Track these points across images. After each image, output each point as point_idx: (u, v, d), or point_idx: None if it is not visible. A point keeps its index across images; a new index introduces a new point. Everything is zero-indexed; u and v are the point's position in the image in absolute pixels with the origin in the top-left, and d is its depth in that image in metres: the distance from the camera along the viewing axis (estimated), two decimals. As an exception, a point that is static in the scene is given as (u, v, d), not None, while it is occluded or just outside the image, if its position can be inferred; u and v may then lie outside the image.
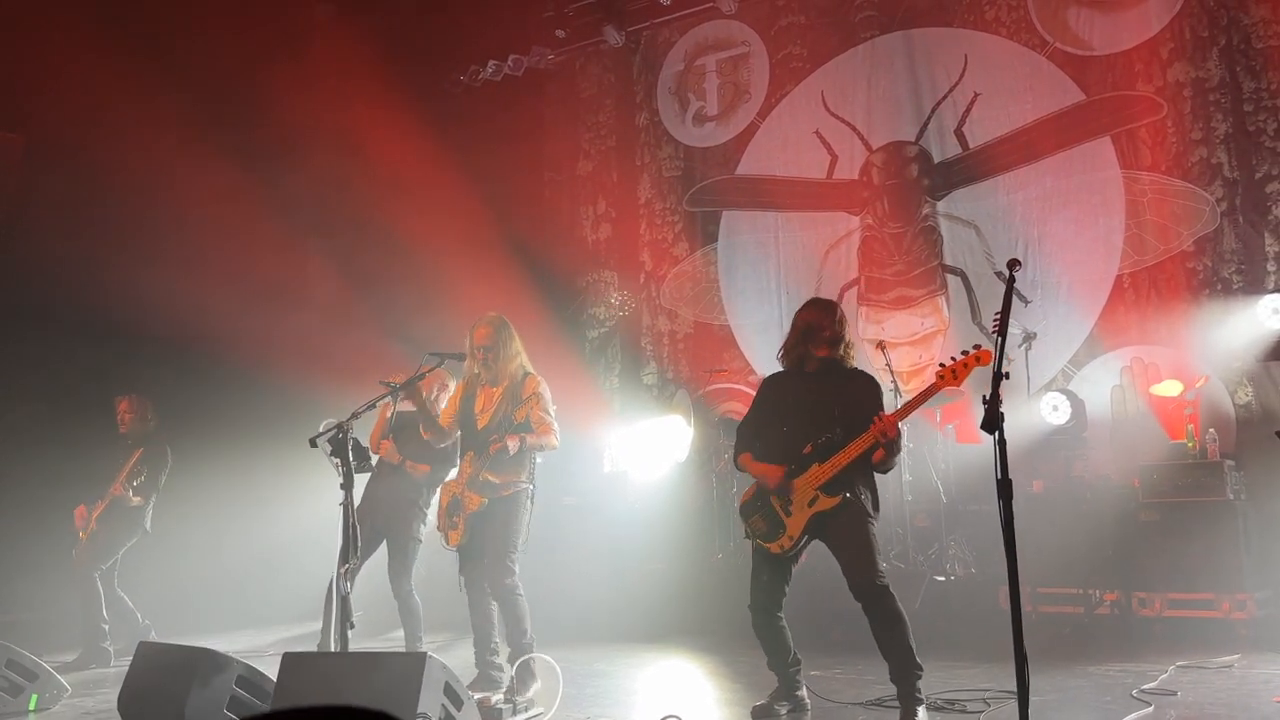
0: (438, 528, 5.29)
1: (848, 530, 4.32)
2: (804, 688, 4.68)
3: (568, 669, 4.99)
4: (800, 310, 4.66)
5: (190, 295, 8.05)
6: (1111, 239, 7.76)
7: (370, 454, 4.80)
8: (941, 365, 4.15)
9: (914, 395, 4.34)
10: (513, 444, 4.98)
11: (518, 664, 4.97)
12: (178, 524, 7.48)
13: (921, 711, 4.19)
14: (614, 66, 10.46)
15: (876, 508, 4.43)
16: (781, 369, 4.67)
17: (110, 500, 6.87)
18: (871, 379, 4.56)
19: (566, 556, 7.94)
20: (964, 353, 4.08)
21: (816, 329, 4.47)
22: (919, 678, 4.23)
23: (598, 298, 10.32)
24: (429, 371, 5.08)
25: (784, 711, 4.59)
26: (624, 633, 7.08)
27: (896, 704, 4.30)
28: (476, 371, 5.24)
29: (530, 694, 4.94)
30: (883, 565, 4.33)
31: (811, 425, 4.37)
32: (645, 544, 7.98)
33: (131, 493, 6.87)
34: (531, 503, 5.22)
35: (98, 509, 6.88)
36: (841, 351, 4.48)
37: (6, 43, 7.59)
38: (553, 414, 5.24)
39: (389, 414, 5.85)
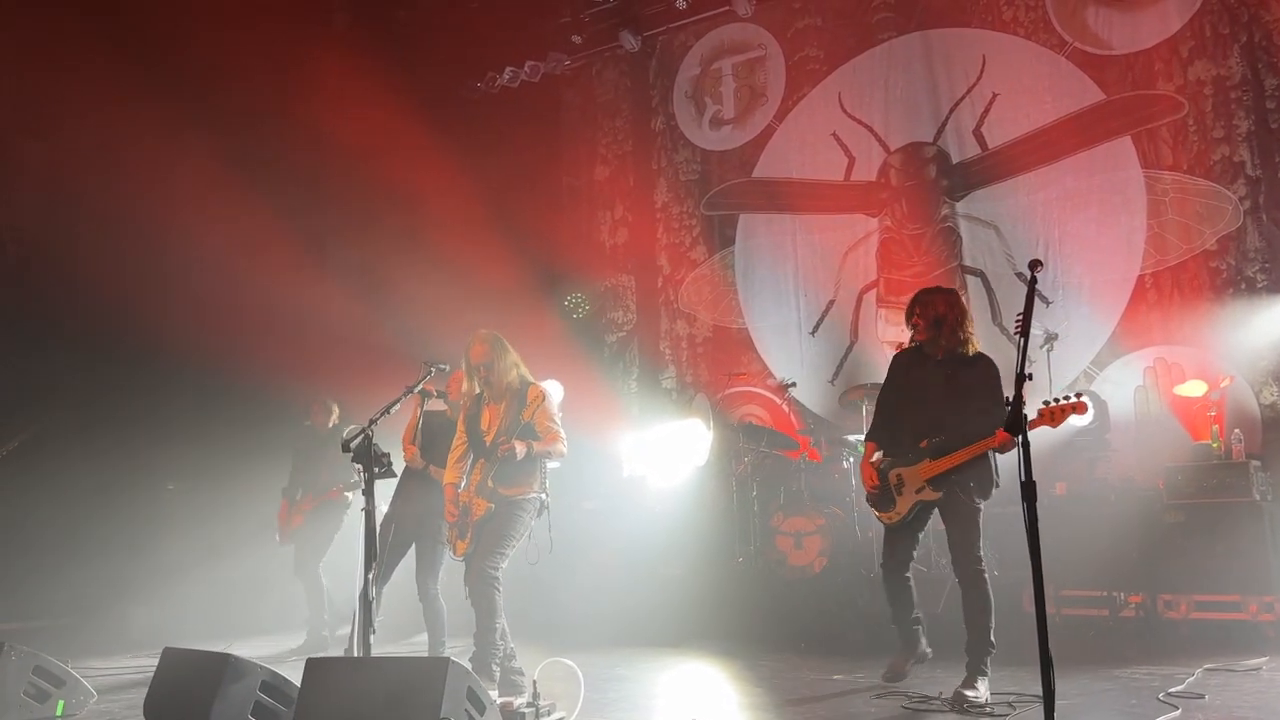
0: (447, 538, 5.30)
1: (950, 518, 4.88)
2: (924, 641, 5.17)
3: (588, 673, 4.98)
4: (930, 295, 4.94)
5: (214, 308, 8.12)
6: (1133, 239, 7.70)
7: (391, 460, 4.81)
8: (1045, 403, 4.36)
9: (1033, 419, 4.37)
10: (520, 448, 4.99)
11: (500, 674, 4.94)
12: (210, 528, 7.54)
13: (982, 684, 4.63)
14: (630, 71, 10.48)
15: (986, 493, 4.84)
16: (909, 346, 5.06)
17: (324, 499, 7.33)
18: (991, 368, 4.84)
19: (586, 561, 7.94)
20: (1067, 398, 4.37)
21: (944, 320, 4.82)
22: (990, 654, 4.73)
23: (615, 302, 10.33)
24: (426, 378, 5.16)
25: (910, 669, 5.10)
26: (644, 637, 7.07)
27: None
28: (478, 390, 5.27)
29: (523, 699, 4.90)
30: (980, 550, 4.82)
31: (930, 417, 4.83)
32: (665, 548, 7.97)
33: (347, 490, 7.35)
34: (541, 512, 5.21)
35: (305, 506, 7.30)
36: (959, 340, 4.83)
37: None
38: (558, 421, 5.24)
39: (418, 417, 5.90)
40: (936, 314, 4.84)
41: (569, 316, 10.20)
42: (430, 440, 6.09)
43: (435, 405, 5.57)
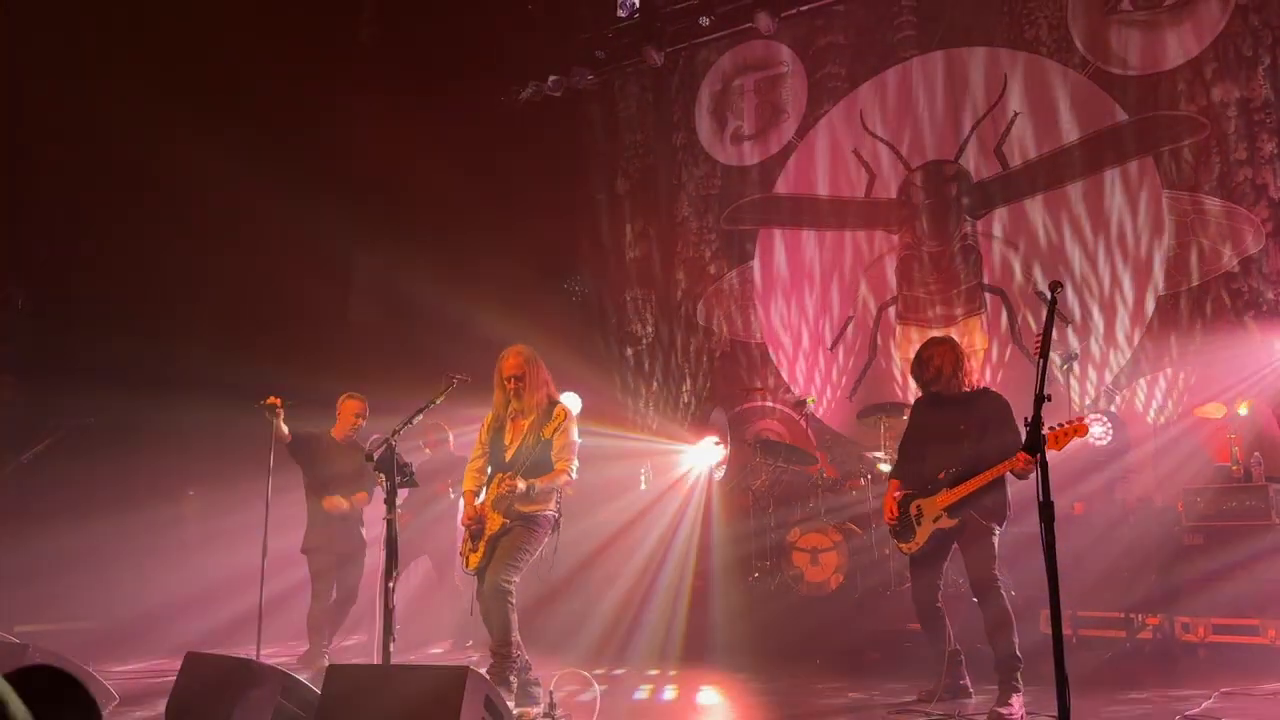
0: (460, 551, 5.32)
1: (966, 544, 5.11)
2: (966, 677, 5.27)
3: (604, 685, 5.01)
4: (926, 350, 5.32)
5: (238, 314, 8.21)
6: (1154, 259, 7.70)
7: (414, 470, 4.86)
8: (1049, 428, 4.42)
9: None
10: (521, 485, 5.01)
11: (517, 685, 4.96)
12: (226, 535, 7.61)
13: (1016, 700, 4.73)
14: (652, 86, 10.56)
15: (1001, 518, 5.07)
16: (925, 395, 5.40)
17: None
18: (998, 398, 5.20)
19: (602, 574, 7.97)
20: (1070, 422, 4.54)
21: (942, 370, 5.19)
22: (1018, 669, 4.84)
23: (634, 315, 10.39)
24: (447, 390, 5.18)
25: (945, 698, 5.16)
26: (660, 650, 7.09)
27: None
28: (507, 401, 5.29)
29: (539, 709, 4.92)
30: (997, 570, 5.02)
31: (948, 452, 5.11)
32: (681, 563, 8.00)
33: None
34: (555, 531, 5.23)
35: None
36: (962, 381, 5.19)
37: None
38: (575, 448, 5.25)
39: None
40: (935, 366, 5.23)
41: (587, 330, 10.25)
42: (310, 462, 6.27)
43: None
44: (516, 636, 5.02)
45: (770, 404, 9.38)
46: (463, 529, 5.28)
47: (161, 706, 4.73)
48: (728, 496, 8.47)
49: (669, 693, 5.93)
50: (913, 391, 6.55)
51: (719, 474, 8.64)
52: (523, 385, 5.22)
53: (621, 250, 10.57)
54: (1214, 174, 7.51)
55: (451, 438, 8.02)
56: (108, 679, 5.67)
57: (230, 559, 8.15)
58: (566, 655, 6.77)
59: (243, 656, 4.49)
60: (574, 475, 5.22)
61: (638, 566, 8.08)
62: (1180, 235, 7.62)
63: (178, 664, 4.80)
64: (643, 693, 5.83)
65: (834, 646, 6.80)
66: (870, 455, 7.60)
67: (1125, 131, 7.90)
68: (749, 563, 7.93)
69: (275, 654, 6.97)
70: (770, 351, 9.54)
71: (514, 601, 5.03)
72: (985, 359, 8.22)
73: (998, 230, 8.41)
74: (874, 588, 7.09)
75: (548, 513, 5.19)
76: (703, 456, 8.84)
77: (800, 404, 8.70)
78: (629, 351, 10.38)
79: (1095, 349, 7.76)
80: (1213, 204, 7.50)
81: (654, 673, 6.49)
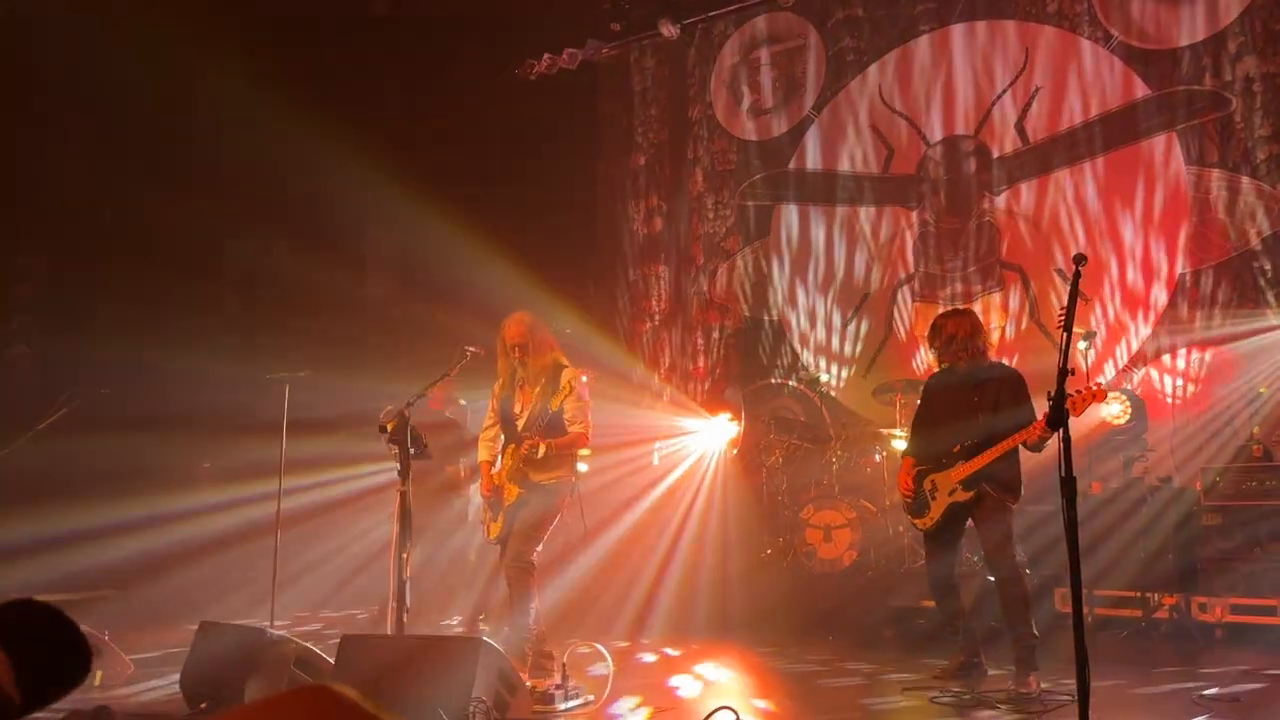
0: (480, 520, 5.34)
1: (982, 518, 5.07)
2: (980, 654, 5.18)
3: (618, 659, 5.01)
4: (940, 320, 5.32)
5: (253, 287, 8.20)
6: (1175, 236, 7.59)
7: (427, 442, 4.86)
8: (1068, 395, 4.31)
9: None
10: (542, 447, 4.99)
11: (531, 656, 4.97)
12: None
13: (1033, 678, 4.73)
14: (669, 60, 10.45)
15: (1016, 492, 5.02)
16: (939, 369, 5.39)
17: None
18: (1014, 375, 5.17)
19: (616, 550, 7.96)
20: (1086, 388, 4.56)
21: (955, 338, 5.15)
22: (1034, 648, 4.83)
23: (649, 292, 10.34)
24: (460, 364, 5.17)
25: (961, 674, 5.09)
26: (672, 625, 7.10)
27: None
28: (513, 370, 5.27)
29: (552, 681, 4.93)
30: (1014, 547, 5.03)
31: (962, 426, 5.06)
32: (695, 539, 7.99)
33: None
34: (573, 494, 5.23)
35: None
36: (976, 353, 5.16)
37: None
38: (588, 406, 5.24)
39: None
40: (947, 334, 5.20)
41: (601, 306, 10.21)
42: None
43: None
44: (535, 607, 5.04)
45: (785, 382, 9.33)
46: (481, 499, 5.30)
47: (177, 675, 4.76)
48: (741, 473, 8.44)
49: (680, 667, 5.94)
50: (929, 369, 6.49)
51: (733, 451, 8.61)
52: (526, 353, 5.20)
53: (636, 225, 10.51)
54: (1238, 150, 7.39)
55: (464, 405, 8.00)
56: (123, 648, 5.70)
57: (245, 531, 8.20)
58: (578, 629, 6.78)
59: (257, 626, 4.50)
60: (590, 435, 5.21)
61: (650, 542, 8.08)
62: (1202, 212, 7.52)
63: (192, 634, 4.83)
64: (654, 666, 5.83)
65: (847, 623, 6.80)
66: (885, 432, 7.56)
67: (1148, 106, 7.78)
68: (762, 539, 7.92)
69: (288, 626, 7.00)
70: (785, 328, 9.48)
71: (535, 573, 5.06)
72: (1003, 336, 8.15)
73: (1017, 206, 8.31)
74: (887, 565, 7.07)
75: (564, 480, 5.18)
76: (716, 433, 8.81)
77: (814, 381, 8.66)
78: (643, 327, 10.33)
79: (1101, 329, 7.67)
80: (1236, 181, 7.39)
81: (665, 647, 6.49)
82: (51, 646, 0.94)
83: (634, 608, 7.34)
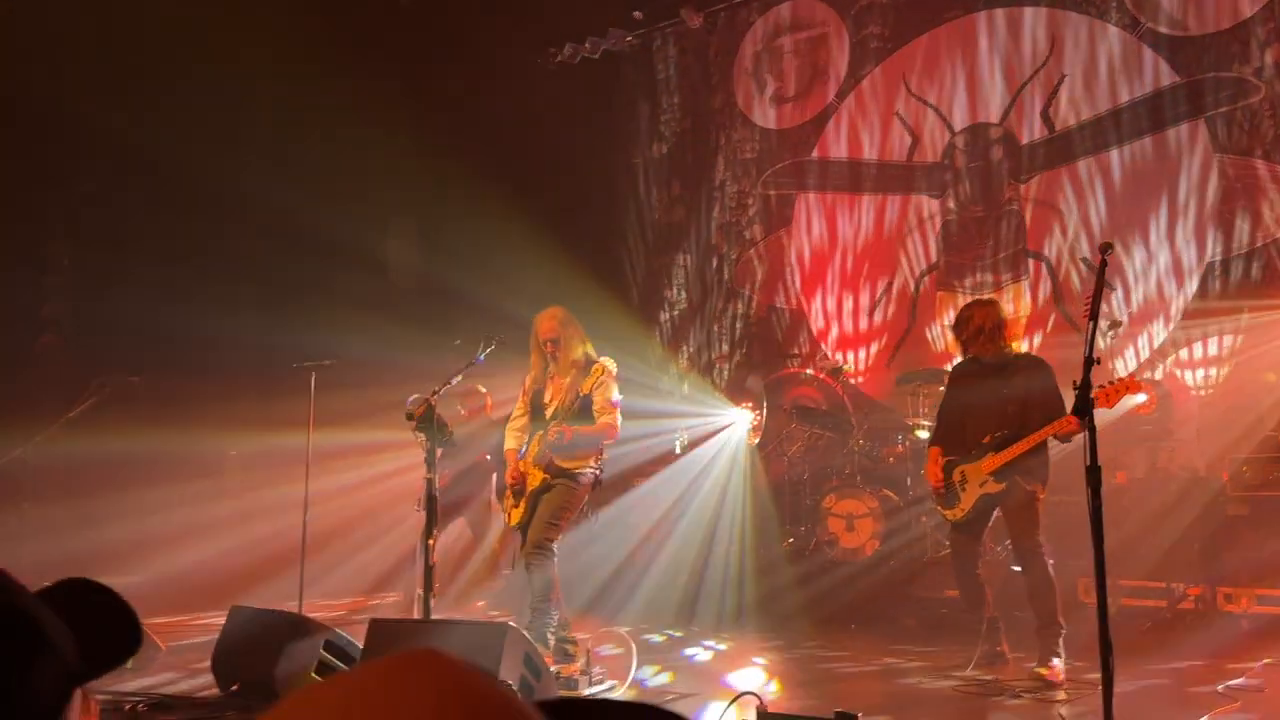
0: (503, 506, 5.39)
1: (1011, 508, 5.08)
2: (1004, 642, 5.19)
3: (640, 645, 5.05)
4: (967, 310, 5.30)
5: (273, 275, 8.27)
6: (1203, 225, 7.53)
7: (453, 431, 4.90)
8: (1099, 386, 4.35)
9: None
10: (566, 434, 5.04)
11: (554, 642, 5.01)
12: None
13: (1057, 661, 4.79)
14: (691, 48, 10.43)
15: (1044, 481, 5.04)
16: (965, 358, 5.37)
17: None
18: (1042, 365, 5.16)
19: (638, 537, 8.00)
20: (1120, 379, 4.57)
21: (982, 329, 5.13)
22: (1060, 634, 4.87)
23: (670, 281, 10.34)
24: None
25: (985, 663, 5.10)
26: (694, 612, 7.13)
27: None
28: (545, 363, 5.34)
29: (576, 667, 4.96)
30: (1040, 536, 5.02)
31: (992, 416, 5.07)
32: (716, 527, 8.01)
33: None
34: (596, 487, 5.29)
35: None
36: (1003, 344, 5.15)
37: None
38: (617, 401, 5.28)
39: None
40: (975, 325, 5.18)
41: (623, 294, 10.23)
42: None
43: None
44: (558, 594, 5.09)
45: (806, 370, 9.32)
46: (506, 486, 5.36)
47: (208, 657, 4.83)
48: (763, 462, 8.45)
49: (703, 653, 5.97)
50: (953, 359, 6.47)
51: (754, 440, 8.62)
52: (559, 348, 5.27)
53: (658, 214, 10.51)
54: (1267, 138, 7.32)
55: (490, 400, 8.06)
56: (154, 631, 5.78)
57: (272, 517, 8.29)
58: (602, 616, 6.83)
59: (286, 610, 4.57)
60: (618, 429, 5.25)
61: (671, 531, 8.11)
62: (1230, 200, 7.44)
63: (222, 617, 4.90)
64: (677, 653, 5.87)
65: (869, 612, 6.80)
66: (909, 421, 7.54)
67: (1176, 94, 7.70)
68: (783, 528, 7.93)
69: (316, 610, 7.08)
70: (808, 318, 9.47)
71: (555, 559, 5.10)
72: (1028, 325, 8.11)
73: (1044, 195, 8.25)
74: (910, 554, 7.07)
75: (589, 470, 5.23)
76: (738, 422, 8.82)
77: (836, 370, 8.65)
78: (664, 316, 10.34)
79: (1140, 316, 7.62)
80: (1265, 168, 7.31)
81: (688, 633, 6.52)
82: (108, 622, 1.00)
83: (655, 594, 7.38)
